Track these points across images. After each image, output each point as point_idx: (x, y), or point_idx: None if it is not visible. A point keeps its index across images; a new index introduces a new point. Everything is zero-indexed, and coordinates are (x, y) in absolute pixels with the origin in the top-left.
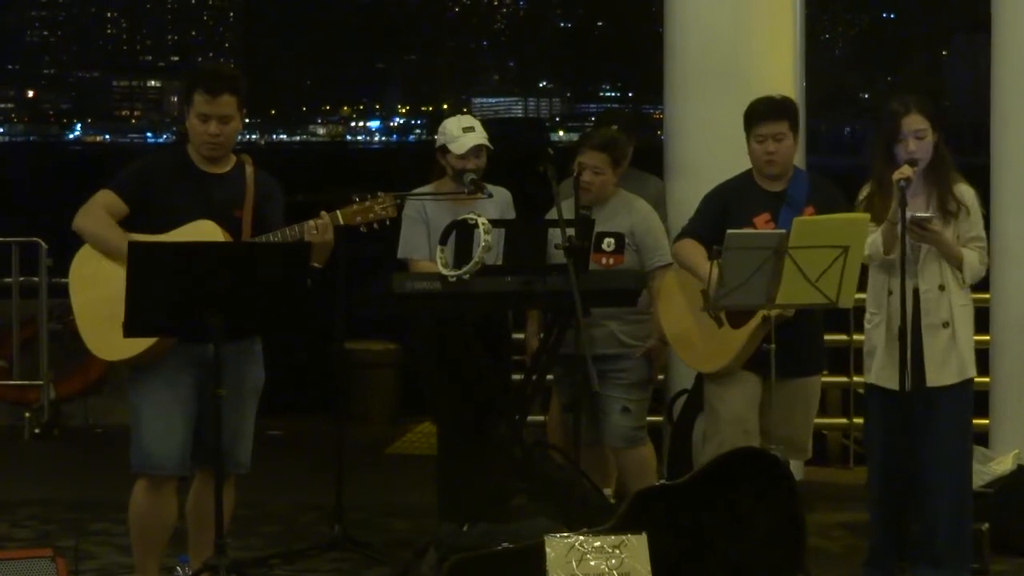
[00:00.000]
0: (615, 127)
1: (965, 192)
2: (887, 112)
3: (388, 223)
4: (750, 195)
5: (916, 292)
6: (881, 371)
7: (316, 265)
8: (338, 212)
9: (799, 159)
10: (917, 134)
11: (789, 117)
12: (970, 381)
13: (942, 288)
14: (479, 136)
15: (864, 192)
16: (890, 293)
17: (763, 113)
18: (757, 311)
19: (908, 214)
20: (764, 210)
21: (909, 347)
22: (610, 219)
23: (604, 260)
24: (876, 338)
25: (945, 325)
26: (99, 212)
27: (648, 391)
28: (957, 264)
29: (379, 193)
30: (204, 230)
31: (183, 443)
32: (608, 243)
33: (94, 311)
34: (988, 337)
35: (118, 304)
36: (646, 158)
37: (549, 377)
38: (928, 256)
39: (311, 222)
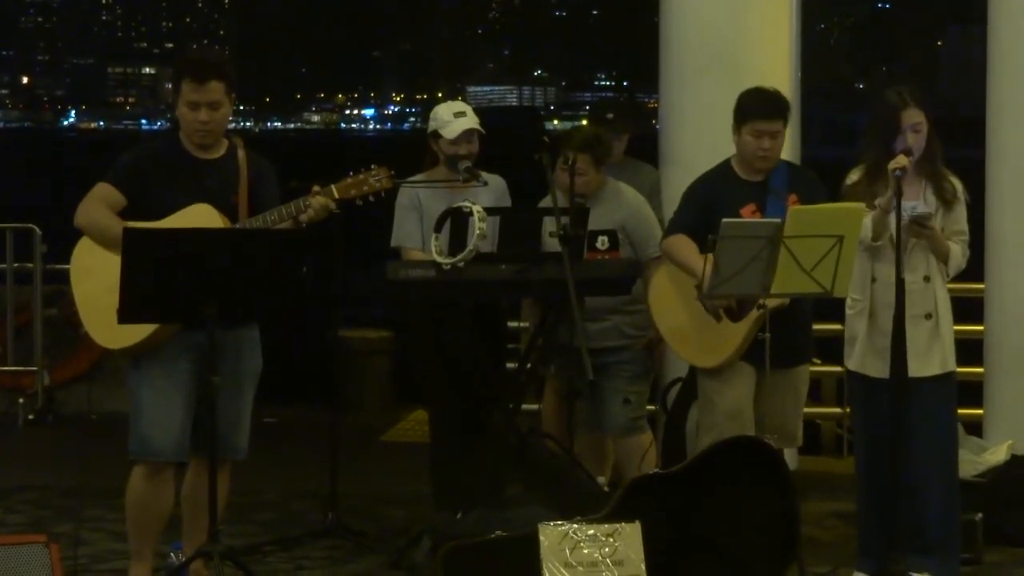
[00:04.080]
0: (609, 116)
1: (956, 184)
2: (884, 106)
3: (383, 195)
4: (733, 187)
5: (902, 282)
6: (863, 358)
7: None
8: (333, 186)
9: (793, 149)
10: (915, 127)
11: (784, 115)
12: (953, 374)
13: (927, 279)
14: (471, 120)
15: (851, 178)
16: (874, 280)
17: (763, 110)
18: (755, 304)
19: (908, 212)
20: (750, 201)
21: (895, 336)
22: (601, 216)
23: (600, 259)
24: (858, 325)
25: (928, 316)
26: (98, 206)
27: (649, 381)
28: (944, 258)
29: (373, 166)
30: (200, 213)
31: (182, 429)
32: (602, 241)
33: (96, 300)
34: (982, 328)
35: (118, 294)
36: (641, 147)
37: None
38: (915, 247)
39: (312, 200)
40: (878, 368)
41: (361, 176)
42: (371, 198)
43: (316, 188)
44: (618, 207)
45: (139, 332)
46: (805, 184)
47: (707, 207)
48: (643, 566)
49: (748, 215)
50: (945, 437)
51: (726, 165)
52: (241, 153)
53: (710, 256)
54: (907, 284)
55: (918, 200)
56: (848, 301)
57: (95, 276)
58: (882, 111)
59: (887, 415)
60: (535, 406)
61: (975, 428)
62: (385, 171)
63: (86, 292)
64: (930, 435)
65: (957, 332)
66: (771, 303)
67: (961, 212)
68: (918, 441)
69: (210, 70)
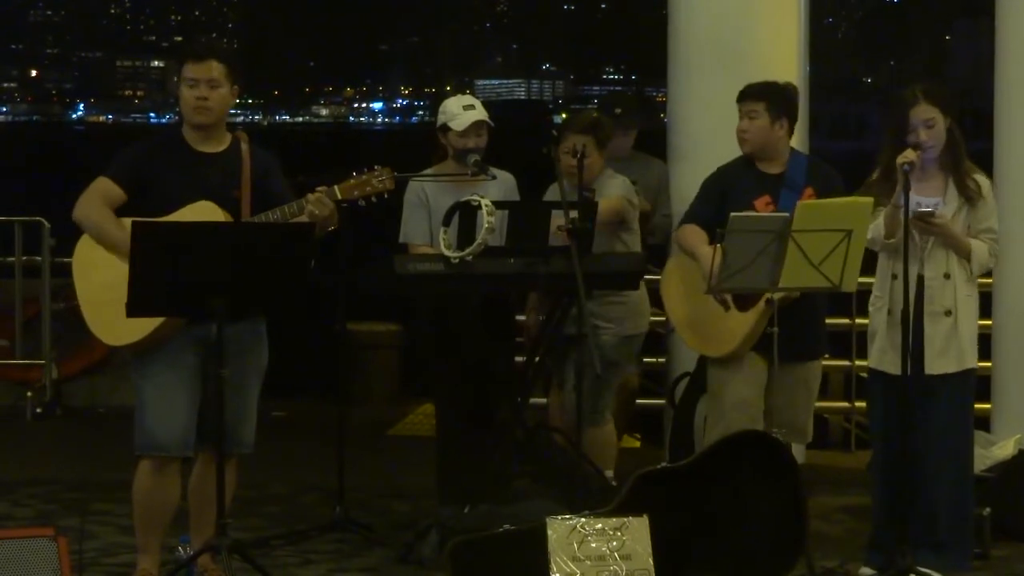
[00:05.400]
0: (617, 111)
1: (982, 181)
2: (896, 103)
3: (387, 196)
4: (749, 178)
5: (921, 279)
6: (881, 355)
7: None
8: (336, 187)
9: (801, 142)
10: (927, 123)
11: (767, 98)
12: (971, 371)
13: (947, 276)
14: (479, 113)
15: (873, 178)
16: (894, 277)
17: (741, 93)
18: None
19: (912, 207)
20: (764, 192)
21: (911, 333)
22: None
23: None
24: (878, 322)
25: (948, 314)
26: (97, 203)
27: (618, 372)
28: (965, 256)
29: (376, 167)
30: (203, 211)
31: (187, 424)
32: None
33: (97, 296)
34: (990, 322)
35: (121, 289)
36: (650, 141)
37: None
38: (936, 244)
39: (309, 195)
40: (897, 365)
41: (364, 177)
42: (374, 199)
43: (321, 189)
44: (608, 196)
45: (141, 328)
46: (823, 178)
47: (722, 198)
48: (650, 560)
49: (762, 207)
50: (960, 435)
51: (746, 157)
52: (244, 147)
53: (719, 248)
54: (926, 280)
55: (939, 197)
56: (871, 298)
57: (97, 272)
58: (895, 109)
59: (906, 413)
60: (542, 400)
61: (983, 423)
62: (388, 172)
63: (88, 287)
64: (945, 433)
65: None
66: (776, 295)
67: (987, 209)
68: (933, 438)
69: (209, 49)
